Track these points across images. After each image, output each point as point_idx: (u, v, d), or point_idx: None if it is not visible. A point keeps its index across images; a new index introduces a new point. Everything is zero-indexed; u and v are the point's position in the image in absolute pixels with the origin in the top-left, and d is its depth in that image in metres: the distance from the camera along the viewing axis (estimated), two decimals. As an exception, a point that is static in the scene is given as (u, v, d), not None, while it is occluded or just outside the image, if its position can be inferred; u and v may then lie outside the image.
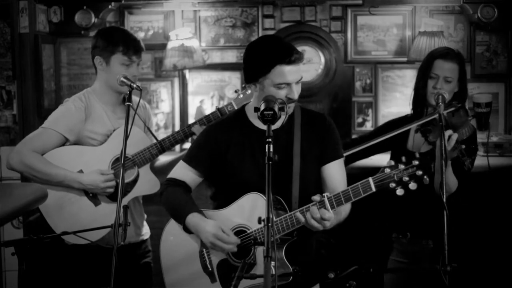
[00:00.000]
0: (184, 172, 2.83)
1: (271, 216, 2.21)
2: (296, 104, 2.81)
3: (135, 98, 3.16)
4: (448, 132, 2.92)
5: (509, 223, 4.16)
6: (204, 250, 2.75)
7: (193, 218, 2.69)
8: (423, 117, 3.17)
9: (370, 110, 5.01)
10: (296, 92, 2.64)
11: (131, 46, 3.25)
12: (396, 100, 4.99)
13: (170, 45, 4.79)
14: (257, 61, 2.64)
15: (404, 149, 3.23)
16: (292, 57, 2.59)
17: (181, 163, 2.86)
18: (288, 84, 2.62)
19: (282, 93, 2.62)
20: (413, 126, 3.21)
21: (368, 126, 4.98)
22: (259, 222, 2.24)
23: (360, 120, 5.01)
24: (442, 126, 2.92)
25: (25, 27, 4.60)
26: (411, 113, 3.31)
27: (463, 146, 2.92)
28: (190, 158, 2.83)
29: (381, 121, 4.98)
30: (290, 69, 2.59)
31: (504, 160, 4.44)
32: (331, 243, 3.05)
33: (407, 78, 4.98)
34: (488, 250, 3.46)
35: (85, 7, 4.80)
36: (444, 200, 2.75)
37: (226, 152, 2.75)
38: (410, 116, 3.31)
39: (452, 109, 3.11)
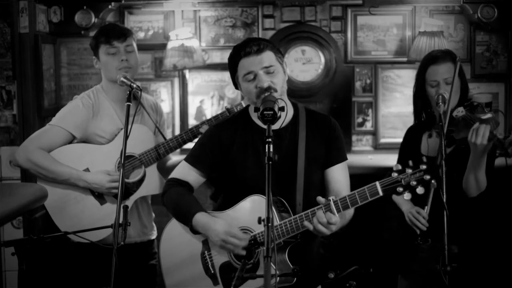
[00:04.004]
0: (186, 172, 2.83)
1: (271, 216, 2.21)
2: (301, 105, 2.83)
3: (146, 96, 3.14)
4: (479, 126, 2.88)
5: (509, 223, 4.16)
6: (206, 252, 2.75)
7: (201, 217, 2.68)
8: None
9: (370, 110, 5.00)
10: (265, 81, 2.62)
11: (109, 33, 3.25)
12: (396, 100, 4.99)
13: (170, 45, 4.79)
14: (229, 64, 2.75)
15: (419, 155, 3.21)
16: (247, 49, 2.66)
17: (183, 163, 2.85)
18: (254, 75, 2.64)
19: (252, 86, 2.65)
20: (427, 132, 3.23)
21: (368, 126, 4.98)
22: (259, 222, 2.24)
23: (360, 120, 5.01)
24: (442, 126, 2.92)
25: (25, 27, 4.59)
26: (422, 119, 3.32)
27: (499, 135, 2.88)
28: (193, 158, 2.83)
29: (381, 121, 4.98)
30: (251, 60, 2.65)
31: (504, 160, 4.43)
32: (332, 244, 3.04)
33: (407, 78, 4.97)
34: (488, 250, 3.46)
35: (85, 7, 4.80)
36: (444, 200, 2.75)
37: (229, 152, 2.75)
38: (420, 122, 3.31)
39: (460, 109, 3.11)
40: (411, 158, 3.16)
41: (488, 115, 3.09)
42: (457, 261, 2.78)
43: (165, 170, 3.41)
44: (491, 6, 4.69)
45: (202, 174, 2.82)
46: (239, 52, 2.67)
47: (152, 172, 3.30)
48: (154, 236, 3.47)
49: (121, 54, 3.25)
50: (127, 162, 3.23)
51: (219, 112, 3.45)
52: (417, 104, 3.28)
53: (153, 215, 3.50)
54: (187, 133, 3.32)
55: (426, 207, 3.04)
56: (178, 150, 4.85)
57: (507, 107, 4.92)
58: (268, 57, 2.66)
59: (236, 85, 2.77)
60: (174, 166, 3.44)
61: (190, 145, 3.58)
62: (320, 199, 2.55)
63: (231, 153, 2.75)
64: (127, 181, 3.21)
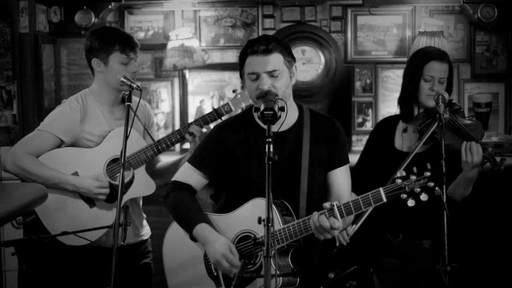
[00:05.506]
0: (189, 174, 2.81)
1: (271, 216, 2.21)
2: (306, 107, 2.82)
3: (135, 98, 3.16)
4: (472, 145, 2.94)
5: (509, 223, 4.16)
6: None
7: (202, 230, 2.67)
8: (420, 119, 3.18)
9: (370, 110, 5.01)
10: (266, 83, 2.60)
11: (127, 44, 3.23)
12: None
13: (170, 45, 4.79)
14: (239, 57, 2.73)
15: (392, 150, 3.23)
16: (255, 47, 2.62)
17: (187, 164, 2.84)
18: (258, 75, 2.62)
19: (253, 86, 2.64)
20: (400, 125, 3.25)
21: (368, 126, 4.98)
22: (259, 222, 2.24)
23: (360, 120, 5.01)
24: (442, 126, 2.92)
25: (25, 27, 4.60)
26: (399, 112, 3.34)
27: (490, 149, 2.92)
28: (196, 160, 2.82)
29: (381, 121, 4.98)
30: (257, 59, 2.62)
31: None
32: (334, 253, 3.06)
33: (407, 78, 4.98)
34: (488, 250, 3.46)
35: (85, 7, 4.80)
36: (444, 200, 2.75)
37: (232, 153, 2.74)
38: (399, 114, 3.33)
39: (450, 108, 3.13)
40: (384, 153, 3.19)
41: (470, 121, 3.11)
42: (457, 261, 2.78)
43: (154, 173, 3.40)
44: (491, 6, 4.69)
45: (206, 176, 2.81)
46: (247, 48, 2.66)
47: (140, 174, 3.28)
48: (146, 236, 3.47)
49: (133, 66, 3.26)
50: (114, 164, 3.23)
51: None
52: (409, 95, 3.27)
53: (144, 216, 3.49)
54: (175, 135, 3.30)
55: (355, 225, 3.08)
56: (178, 150, 4.88)
57: (507, 107, 4.92)
58: (274, 60, 2.62)
59: (241, 77, 2.75)
60: (163, 169, 3.46)
61: (186, 146, 3.60)
62: (326, 205, 2.54)
63: (235, 154, 2.74)
64: (115, 183, 3.20)
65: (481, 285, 3.35)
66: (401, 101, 3.31)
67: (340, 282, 2.56)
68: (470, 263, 3.20)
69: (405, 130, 3.24)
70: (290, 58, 2.68)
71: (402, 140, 3.24)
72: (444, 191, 2.77)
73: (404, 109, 3.29)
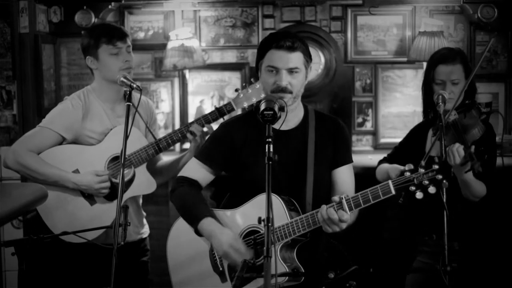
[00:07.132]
0: (196, 169, 2.84)
1: (271, 216, 2.22)
2: (311, 107, 2.84)
3: (137, 96, 3.16)
4: (452, 147, 2.90)
5: (509, 223, 4.16)
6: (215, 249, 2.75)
7: (207, 223, 2.68)
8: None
9: (370, 110, 5.01)
10: (285, 80, 2.63)
11: (113, 34, 3.24)
12: (396, 100, 4.99)
13: (170, 45, 4.79)
14: (259, 47, 2.75)
15: (422, 153, 3.22)
16: (281, 42, 2.64)
17: (194, 160, 2.87)
18: (277, 70, 2.64)
19: (271, 80, 2.66)
20: (430, 131, 3.24)
21: (368, 126, 4.98)
22: (259, 222, 2.25)
23: (360, 120, 5.01)
24: (442, 126, 2.92)
25: (25, 27, 4.60)
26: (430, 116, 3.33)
27: (473, 149, 2.90)
28: (203, 155, 2.84)
29: (381, 121, 4.98)
30: (280, 55, 2.64)
31: (504, 160, 4.43)
32: (333, 244, 3.05)
33: (407, 78, 4.98)
34: (488, 250, 3.46)
35: (85, 7, 4.80)
36: (444, 200, 2.75)
37: (240, 149, 2.76)
38: (427, 120, 3.32)
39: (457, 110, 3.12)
40: (415, 155, 3.18)
41: (473, 120, 3.09)
42: (459, 259, 2.78)
43: (155, 171, 3.40)
44: (491, 6, 4.69)
45: (212, 172, 2.83)
46: (272, 42, 2.67)
47: (141, 172, 3.29)
48: (145, 235, 3.47)
49: (124, 54, 3.25)
50: (115, 162, 3.24)
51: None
52: (424, 101, 3.29)
53: (144, 214, 3.50)
54: (176, 133, 3.30)
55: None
56: (178, 149, 4.88)
57: (507, 107, 4.92)
58: (296, 58, 2.66)
59: (256, 67, 2.78)
60: (164, 167, 3.46)
61: (186, 145, 3.60)
62: (334, 198, 2.56)
63: (242, 152, 2.76)
64: (115, 181, 3.20)
65: (481, 285, 3.35)
66: (424, 110, 3.32)
67: (340, 282, 2.56)
68: (470, 263, 3.19)
69: (434, 134, 3.24)
70: (308, 58, 2.72)
71: (431, 144, 3.24)
72: (444, 191, 2.76)
73: (427, 117, 3.29)
